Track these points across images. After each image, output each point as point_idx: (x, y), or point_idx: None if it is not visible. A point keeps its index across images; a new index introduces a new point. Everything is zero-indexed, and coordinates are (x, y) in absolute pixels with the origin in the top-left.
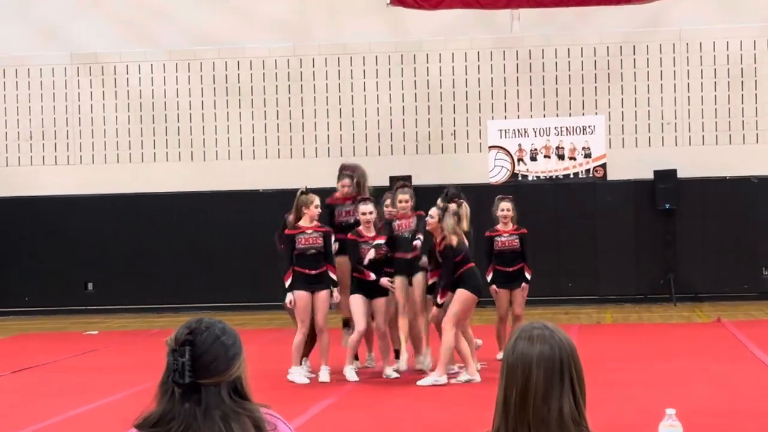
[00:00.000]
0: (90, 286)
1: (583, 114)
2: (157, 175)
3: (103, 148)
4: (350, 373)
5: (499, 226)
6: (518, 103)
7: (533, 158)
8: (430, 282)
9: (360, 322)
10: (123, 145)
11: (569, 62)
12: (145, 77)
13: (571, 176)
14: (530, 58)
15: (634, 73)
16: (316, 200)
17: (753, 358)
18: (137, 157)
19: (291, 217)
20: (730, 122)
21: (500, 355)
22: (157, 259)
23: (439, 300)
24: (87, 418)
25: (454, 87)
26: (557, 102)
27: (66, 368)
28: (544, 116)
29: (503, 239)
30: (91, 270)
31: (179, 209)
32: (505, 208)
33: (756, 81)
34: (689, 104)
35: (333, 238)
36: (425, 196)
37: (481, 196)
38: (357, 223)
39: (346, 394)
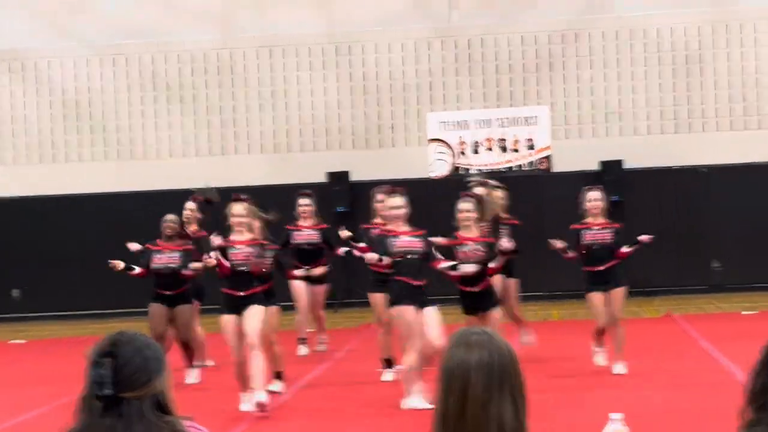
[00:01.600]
0: (15, 292)
1: (526, 105)
2: (82, 175)
3: (25, 148)
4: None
5: (589, 219)
6: (458, 95)
7: (475, 151)
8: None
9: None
10: (46, 144)
11: (510, 51)
12: (67, 73)
13: (515, 169)
14: (469, 47)
15: (577, 61)
16: (235, 207)
17: (704, 354)
18: (61, 156)
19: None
20: (675, 110)
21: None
22: (86, 264)
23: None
24: None
25: (391, 79)
26: (498, 92)
27: None
28: (486, 107)
29: (592, 233)
30: (17, 276)
31: (107, 210)
32: (593, 198)
33: (701, 67)
34: (633, 93)
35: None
36: (362, 193)
37: (420, 192)
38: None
39: (279, 406)
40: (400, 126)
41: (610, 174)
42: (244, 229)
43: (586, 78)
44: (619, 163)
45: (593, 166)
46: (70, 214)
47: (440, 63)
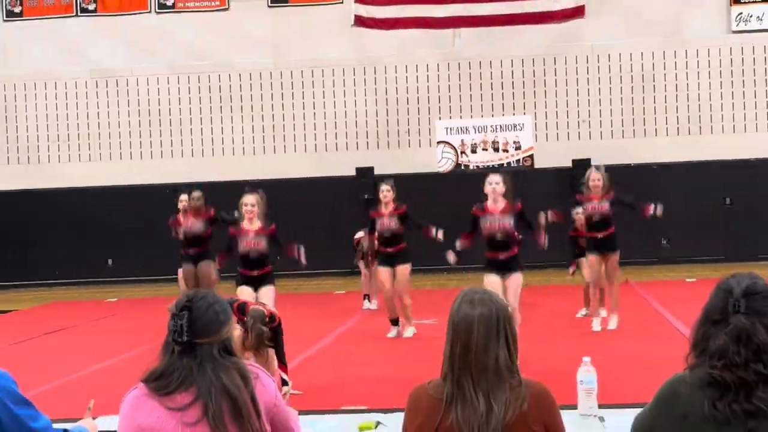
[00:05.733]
0: (110, 261)
1: (514, 114)
2: (160, 169)
3: (119, 148)
4: None
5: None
6: (461, 106)
7: (473, 151)
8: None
9: None
10: (135, 145)
11: (502, 71)
12: (151, 88)
13: (505, 165)
14: (470, 68)
15: (555, 80)
16: (245, 198)
17: (656, 313)
18: (147, 154)
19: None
20: (634, 119)
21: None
22: (164, 238)
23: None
24: (106, 372)
25: (407, 93)
26: (492, 104)
27: (90, 330)
28: (482, 116)
29: (593, 204)
30: (111, 248)
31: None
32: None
33: (654, 85)
34: (600, 105)
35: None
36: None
37: (430, 183)
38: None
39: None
40: (414, 131)
41: (581, 169)
42: (254, 217)
43: (563, 93)
44: (588, 161)
45: (567, 163)
46: (152, 198)
47: (446, 81)
